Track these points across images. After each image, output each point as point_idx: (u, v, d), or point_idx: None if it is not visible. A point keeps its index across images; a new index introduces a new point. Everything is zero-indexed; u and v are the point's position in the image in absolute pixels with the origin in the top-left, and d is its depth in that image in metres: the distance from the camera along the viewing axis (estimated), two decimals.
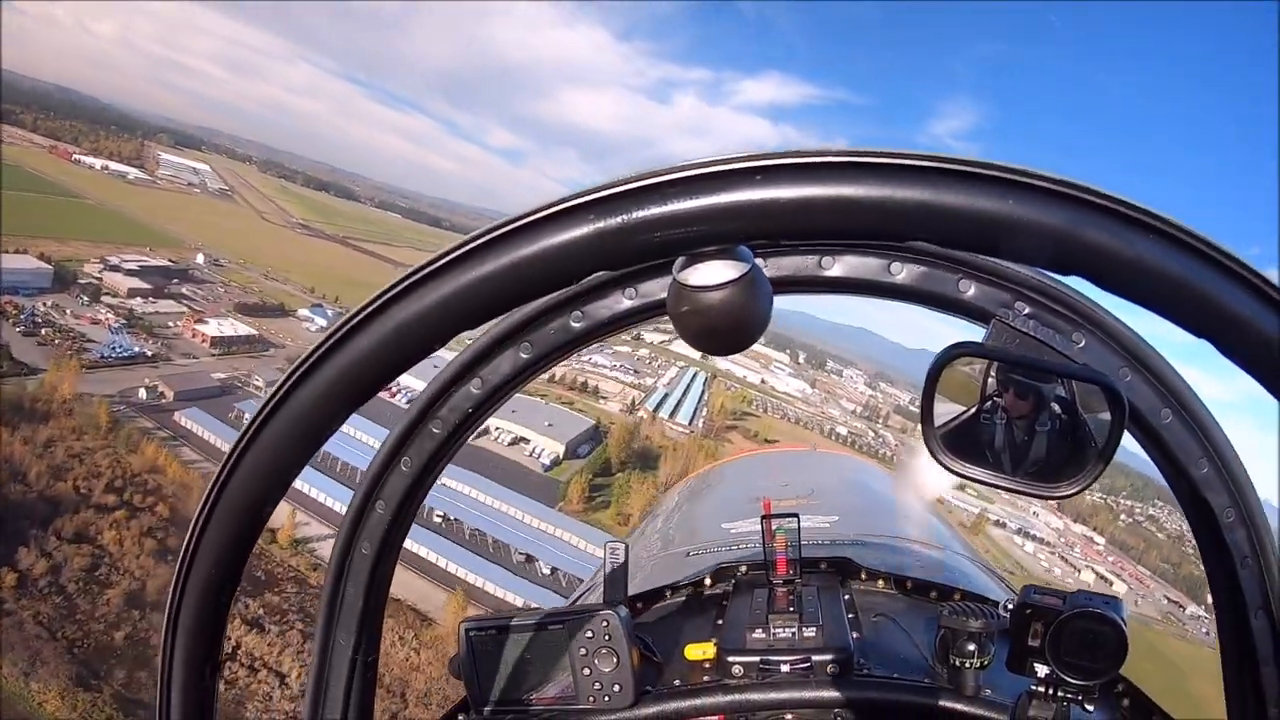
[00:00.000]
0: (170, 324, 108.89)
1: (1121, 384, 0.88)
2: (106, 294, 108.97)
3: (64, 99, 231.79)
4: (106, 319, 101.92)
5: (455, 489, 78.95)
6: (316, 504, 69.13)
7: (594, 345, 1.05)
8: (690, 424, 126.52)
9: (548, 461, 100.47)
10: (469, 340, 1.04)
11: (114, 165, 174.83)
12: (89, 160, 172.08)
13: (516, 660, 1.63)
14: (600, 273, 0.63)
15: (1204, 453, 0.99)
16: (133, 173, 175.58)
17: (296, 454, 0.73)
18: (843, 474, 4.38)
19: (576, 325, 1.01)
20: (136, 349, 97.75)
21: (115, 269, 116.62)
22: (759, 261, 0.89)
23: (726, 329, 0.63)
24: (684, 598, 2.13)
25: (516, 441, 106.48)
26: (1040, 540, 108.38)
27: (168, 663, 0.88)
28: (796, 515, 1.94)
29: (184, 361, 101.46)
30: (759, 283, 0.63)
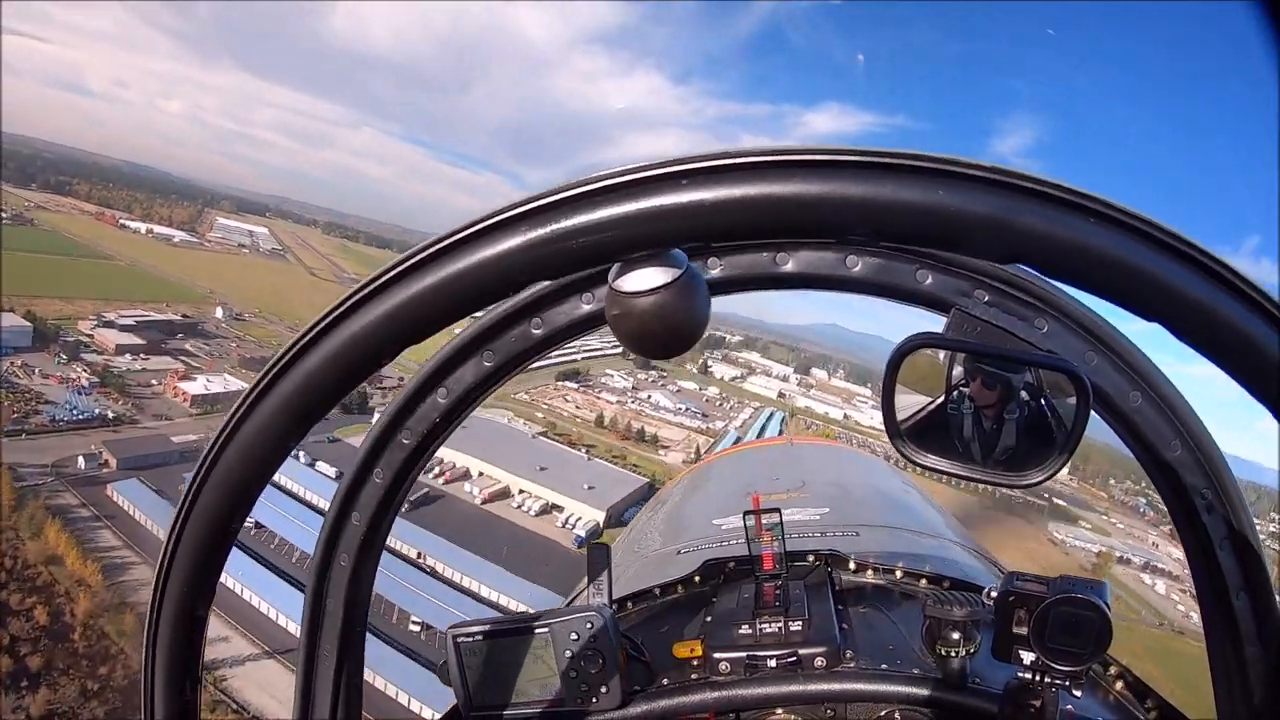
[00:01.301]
0: (153, 382, 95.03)
1: (1086, 369, 0.87)
2: (92, 351, 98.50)
3: (133, 173, 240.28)
4: (77, 378, 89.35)
5: (426, 586, 59.37)
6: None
7: (554, 350, 1.05)
8: None
9: (583, 533, 76.40)
10: (433, 351, 1.06)
11: (159, 229, 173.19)
12: (135, 225, 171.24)
13: (504, 665, 1.63)
14: (542, 282, 0.63)
15: (1176, 434, 0.98)
16: (179, 235, 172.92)
17: (260, 468, 0.73)
18: (834, 465, 4.24)
19: (536, 332, 1.01)
20: (97, 411, 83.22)
21: (109, 325, 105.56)
22: (710, 262, 0.90)
23: (659, 332, 0.63)
24: (673, 596, 2.12)
25: (548, 510, 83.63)
26: (1169, 575, 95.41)
27: (150, 678, 0.88)
28: (779, 510, 1.90)
29: (151, 424, 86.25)
30: (693, 286, 0.63)
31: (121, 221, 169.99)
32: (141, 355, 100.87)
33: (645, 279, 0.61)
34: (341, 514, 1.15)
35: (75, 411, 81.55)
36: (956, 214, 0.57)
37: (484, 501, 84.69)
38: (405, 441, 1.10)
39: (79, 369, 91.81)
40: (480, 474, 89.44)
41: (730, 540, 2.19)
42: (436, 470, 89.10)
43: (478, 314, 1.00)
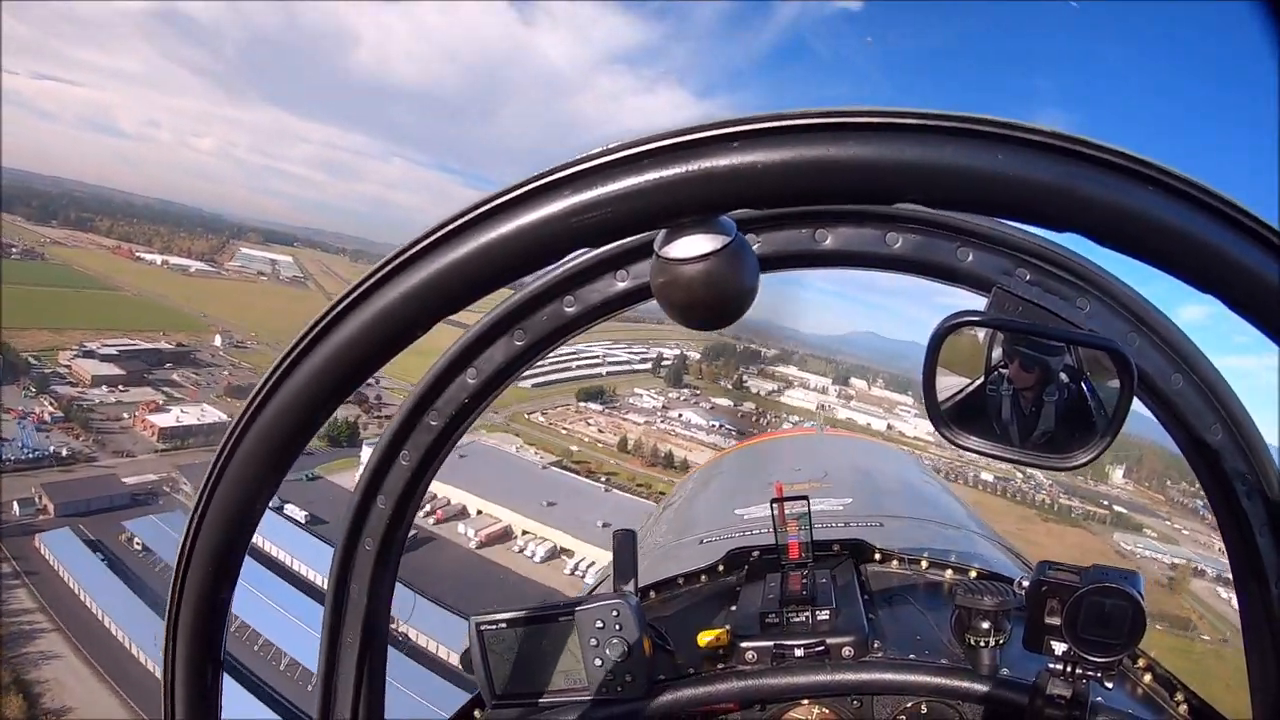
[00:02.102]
0: (124, 415, 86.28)
1: (1129, 349, 0.85)
2: (66, 383, 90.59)
3: (163, 209, 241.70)
4: (39, 413, 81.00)
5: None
6: None
7: (587, 329, 1.02)
8: None
9: (593, 580, 61.83)
10: (462, 330, 1.04)
11: (175, 260, 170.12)
12: (151, 256, 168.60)
13: (527, 653, 1.62)
14: (584, 249, 0.61)
15: (1217, 418, 0.95)
16: (196, 266, 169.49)
17: (290, 438, 0.72)
18: (855, 456, 4.24)
19: (569, 310, 1.00)
20: (50, 449, 74.11)
21: (90, 355, 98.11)
22: (750, 236, 0.87)
23: (709, 302, 0.62)
24: (697, 585, 2.10)
25: (555, 554, 70.53)
26: None
27: (171, 663, 0.87)
28: (807, 498, 1.89)
29: (109, 462, 76.60)
30: (742, 255, 0.62)
31: (138, 254, 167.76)
32: (119, 387, 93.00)
33: (694, 245, 0.60)
34: (366, 498, 1.12)
35: (26, 449, 72.82)
36: (1015, 179, 0.55)
37: (480, 545, 72.00)
38: (433, 423, 1.07)
39: (45, 402, 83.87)
40: (479, 512, 76.94)
41: (753, 530, 2.15)
42: (429, 508, 77.07)
43: (510, 291, 1.00)
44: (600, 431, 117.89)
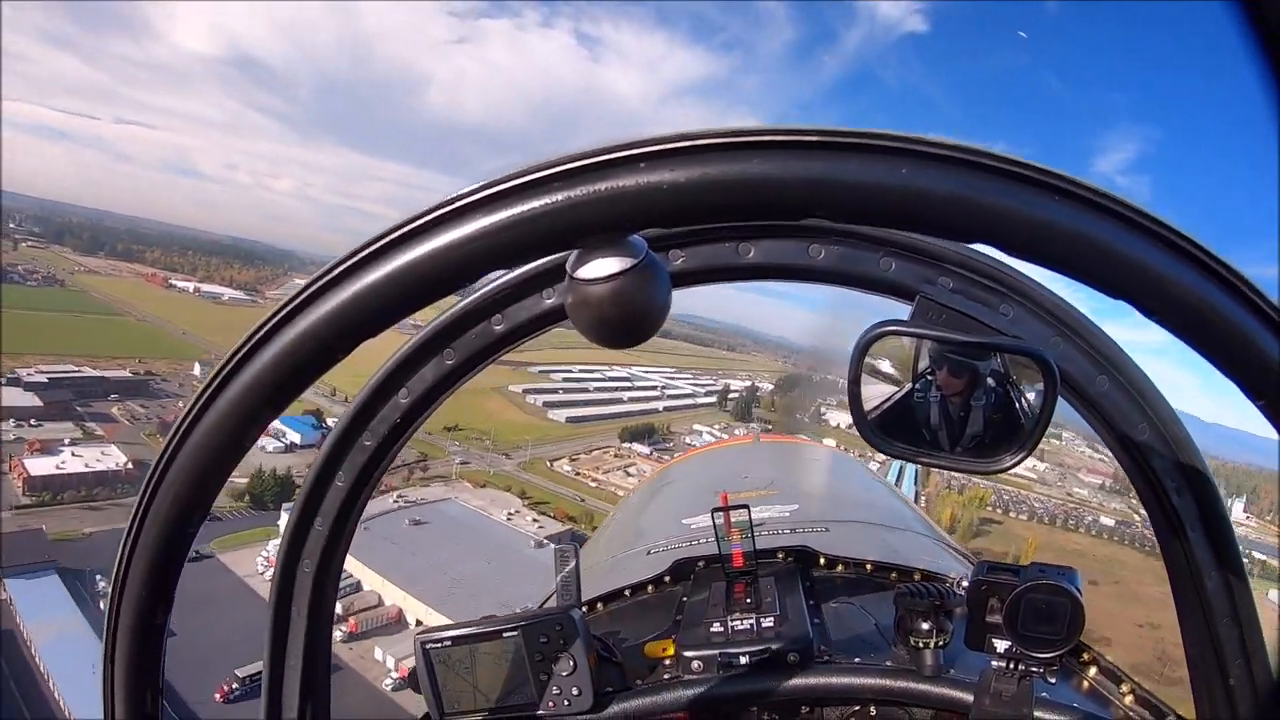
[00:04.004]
0: (11, 456, 66.44)
1: (1052, 353, 0.87)
2: None
3: (233, 246, 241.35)
4: None
5: None
6: None
7: (517, 347, 1.04)
8: None
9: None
10: (393, 350, 1.05)
11: (209, 288, 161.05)
12: (184, 284, 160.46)
13: (474, 670, 1.61)
14: (498, 271, 0.62)
15: (1144, 417, 0.97)
16: (228, 294, 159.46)
17: (215, 465, 0.73)
18: (803, 462, 4.27)
19: (498, 329, 1.01)
20: None
21: (15, 383, 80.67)
22: (672, 254, 0.92)
23: (618, 321, 0.62)
24: (644, 596, 2.13)
25: None
26: None
27: (109, 692, 0.86)
28: (747, 506, 1.90)
29: None
30: (652, 274, 0.62)
31: (171, 282, 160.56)
32: (30, 422, 74.68)
33: (603, 267, 0.60)
34: (303, 520, 1.12)
35: None
36: (918, 192, 0.56)
37: (398, 686, 44.08)
38: (367, 443, 1.08)
39: None
40: (418, 622, 49.37)
41: (700, 539, 2.18)
42: (353, 607, 50.41)
43: (438, 311, 1.01)
44: (640, 482, 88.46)
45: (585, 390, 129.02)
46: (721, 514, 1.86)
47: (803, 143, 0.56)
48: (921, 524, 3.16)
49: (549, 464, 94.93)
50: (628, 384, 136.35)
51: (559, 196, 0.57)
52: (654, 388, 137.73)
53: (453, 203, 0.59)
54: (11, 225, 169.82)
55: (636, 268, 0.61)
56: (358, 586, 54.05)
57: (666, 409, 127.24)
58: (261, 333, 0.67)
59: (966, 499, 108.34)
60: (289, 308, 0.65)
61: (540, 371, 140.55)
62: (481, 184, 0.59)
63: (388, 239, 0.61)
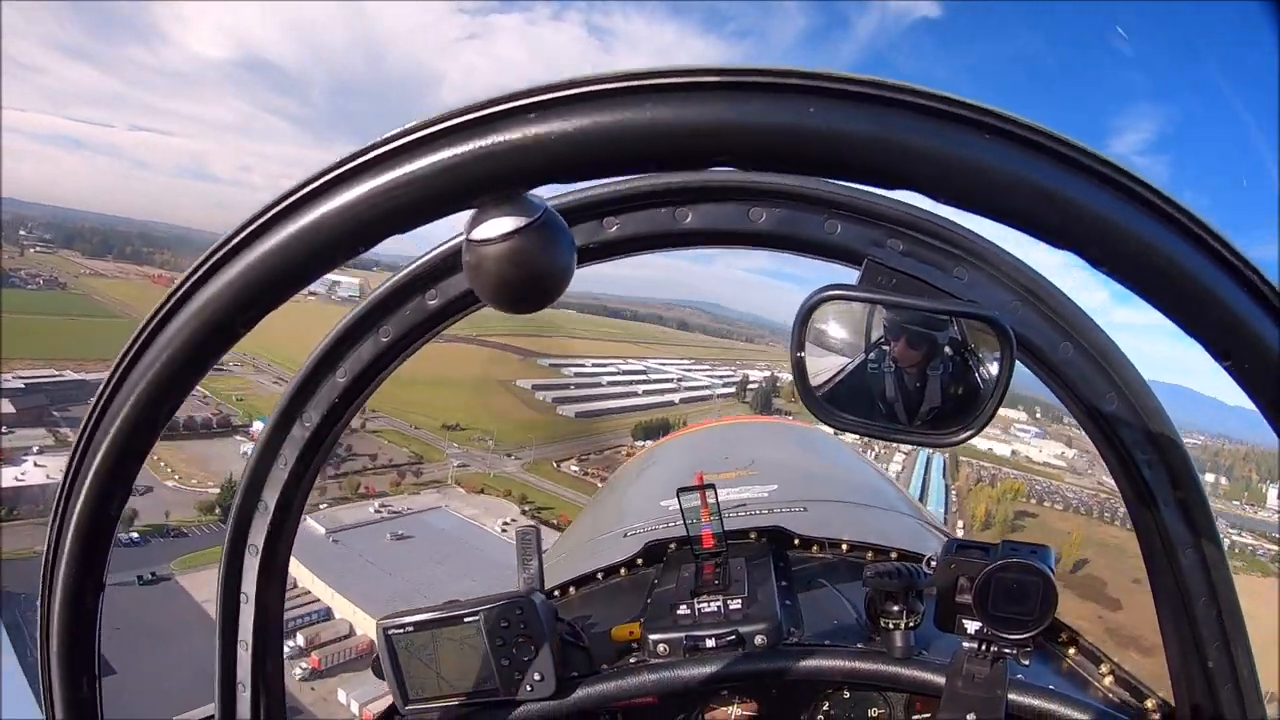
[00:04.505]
0: None
1: (1011, 319, 0.84)
2: None
3: None
4: None
5: None
6: None
7: (454, 321, 1.01)
8: None
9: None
10: (328, 329, 1.03)
11: None
12: None
13: (436, 656, 1.60)
14: (394, 234, 0.61)
15: (1111, 386, 0.93)
16: None
17: (131, 447, 0.72)
18: (785, 442, 4.17)
19: (432, 303, 0.99)
20: None
21: None
22: (607, 221, 0.89)
23: (516, 282, 0.59)
24: (616, 579, 2.10)
25: None
26: None
27: (47, 676, 0.86)
28: (714, 486, 1.87)
29: None
30: (550, 231, 0.59)
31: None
32: (2, 428, 70.00)
33: (497, 226, 0.57)
34: (247, 502, 1.12)
35: None
36: (830, 134, 0.51)
37: None
38: (307, 424, 1.07)
39: None
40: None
41: (676, 521, 2.16)
42: (319, 639, 44.31)
43: (371, 288, 0.99)
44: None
45: (598, 384, 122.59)
46: (689, 494, 1.82)
47: (701, 84, 0.52)
48: (905, 503, 3.11)
49: (555, 465, 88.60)
50: (643, 377, 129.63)
51: (447, 154, 0.54)
52: (670, 380, 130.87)
53: (342, 165, 0.57)
54: (22, 232, 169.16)
55: (533, 225, 0.58)
56: (327, 614, 48.27)
57: (683, 401, 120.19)
58: (160, 314, 0.66)
59: (1000, 492, 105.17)
60: (187, 285, 0.64)
61: (551, 365, 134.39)
62: (371, 144, 0.56)
63: (278, 208, 0.59)
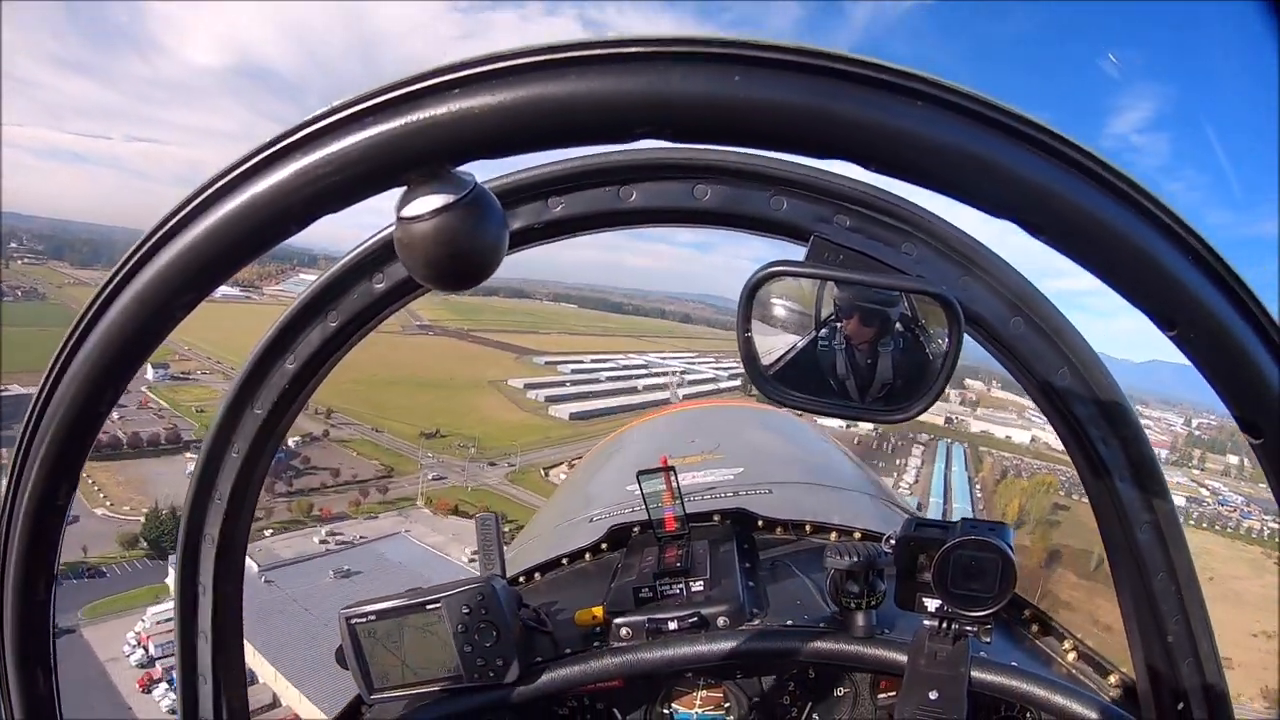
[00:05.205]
0: None
1: (959, 294, 0.85)
2: None
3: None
4: None
5: None
6: None
7: (401, 305, 1.00)
8: None
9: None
10: (276, 315, 1.03)
11: None
12: None
13: (399, 644, 1.61)
14: (327, 214, 0.60)
15: (1063, 361, 0.93)
16: (221, 291, 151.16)
17: (73, 435, 0.72)
18: (751, 425, 4.25)
19: (379, 287, 0.99)
20: None
21: None
22: (551, 201, 0.91)
23: (446, 259, 0.58)
24: (581, 564, 2.14)
25: None
26: None
27: (3, 675, 0.86)
28: (674, 470, 1.90)
29: None
30: (480, 208, 0.58)
31: None
32: None
33: (426, 203, 0.57)
34: (201, 493, 1.12)
35: None
36: (756, 103, 0.51)
37: None
38: (257, 412, 1.07)
39: None
40: None
41: (641, 505, 2.24)
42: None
43: (320, 274, 1.00)
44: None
45: (596, 381, 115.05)
46: (651, 477, 1.85)
47: (623, 55, 0.52)
48: (869, 484, 3.15)
49: (543, 473, 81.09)
50: (644, 371, 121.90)
51: (372, 131, 0.54)
52: (671, 373, 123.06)
53: (270, 146, 0.57)
54: (13, 244, 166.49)
55: (461, 202, 0.57)
56: (251, 678, 41.26)
57: (686, 396, 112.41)
58: (97, 303, 0.66)
59: (1032, 485, 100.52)
60: (122, 273, 0.64)
61: (547, 363, 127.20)
62: (298, 123, 0.56)
63: (209, 191, 0.59)
